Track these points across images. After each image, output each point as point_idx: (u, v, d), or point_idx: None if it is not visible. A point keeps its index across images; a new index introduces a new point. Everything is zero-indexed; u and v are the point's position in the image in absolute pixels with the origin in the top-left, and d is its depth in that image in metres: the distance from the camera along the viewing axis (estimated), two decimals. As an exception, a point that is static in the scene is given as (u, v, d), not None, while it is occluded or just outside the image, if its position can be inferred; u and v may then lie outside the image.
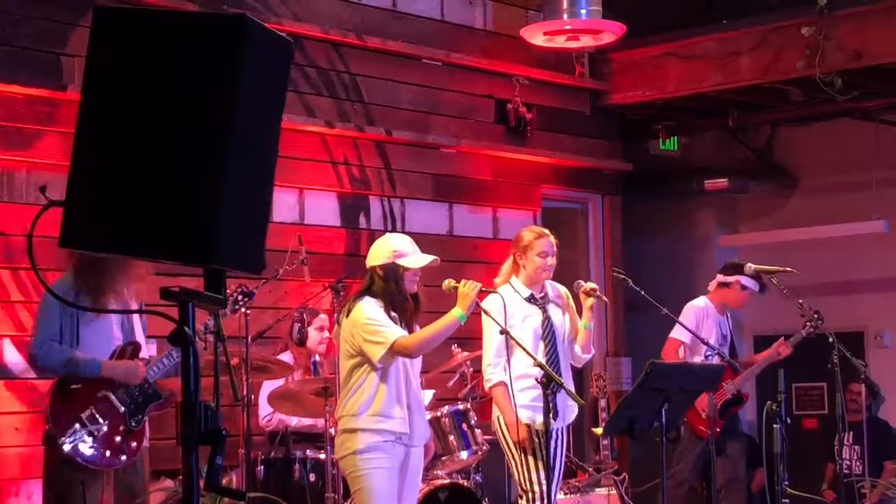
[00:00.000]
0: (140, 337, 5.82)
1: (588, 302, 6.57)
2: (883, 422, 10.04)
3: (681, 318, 8.26)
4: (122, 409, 5.61)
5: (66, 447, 5.44)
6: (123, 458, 5.58)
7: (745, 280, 8.45)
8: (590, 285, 6.58)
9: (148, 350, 5.99)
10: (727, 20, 9.96)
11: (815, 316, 8.17)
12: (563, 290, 6.74)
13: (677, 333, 8.40)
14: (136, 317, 5.82)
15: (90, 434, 5.48)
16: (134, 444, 5.63)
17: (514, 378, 6.29)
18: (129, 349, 5.75)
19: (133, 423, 5.62)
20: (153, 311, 3.09)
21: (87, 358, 5.54)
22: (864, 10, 9.09)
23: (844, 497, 8.22)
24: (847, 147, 10.83)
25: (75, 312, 5.56)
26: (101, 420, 5.53)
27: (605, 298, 6.77)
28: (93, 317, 5.59)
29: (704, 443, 8.17)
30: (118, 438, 5.57)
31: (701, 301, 8.57)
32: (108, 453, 5.52)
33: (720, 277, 8.56)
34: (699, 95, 10.10)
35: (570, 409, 6.58)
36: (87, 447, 5.47)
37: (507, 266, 6.72)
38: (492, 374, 6.43)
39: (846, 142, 10.81)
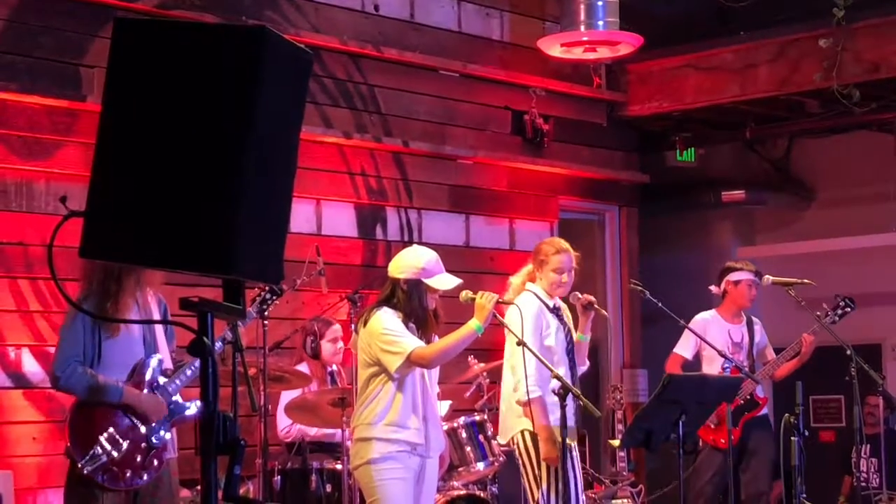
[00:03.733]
0: (163, 347, 5.77)
1: (587, 314, 6.53)
2: (900, 434, 10.01)
3: (684, 334, 8.27)
4: (144, 428, 5.58)
5: (86, 470, 5.41)
6: (145, 476, 5.53)
7: (733, 276, 8.39)
8: (588, 298, 6.54)
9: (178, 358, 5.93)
10: (744, 32, 9.95)
11: (843, 303, 8.04)
12: (560, 302, 6.69)
13: (679, 349, 8.41)
14: (158, 325, 5.76)
15: (109, 456, 5.44)
16: (156, 461, 5.58)
17: (548, 392, 6.26)
18: (142, 366, 5.67)
19: (155, 441, 5.58)
20: (173, 322, 3.10)
21: (109, 383, 5.47)
22: (882, 22, 9.08)
23: (862, 510, 8.19)
24: (864, 159, 10.81)
25: (98, 330, 5.53)
26: (120, 440, 5.47)
27: (604, 312, 6.67)
28: (115, 333, 5.55)
29: (723, 455, 8.06)
30: (139, 458, 5.52)
31: (707, 314, 8.48)
32: (128, 473, 5.48)
33: (714, 289, 8.45)
34: (716, 107, 10.09)
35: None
36: (106, 469, 5.43)
37: (525, 270, 6.67)
38: (532, 386, 6.25)
39: (864, 154, 10.79)
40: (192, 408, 5.74)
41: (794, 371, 8.18)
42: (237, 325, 3.74)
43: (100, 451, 5.42)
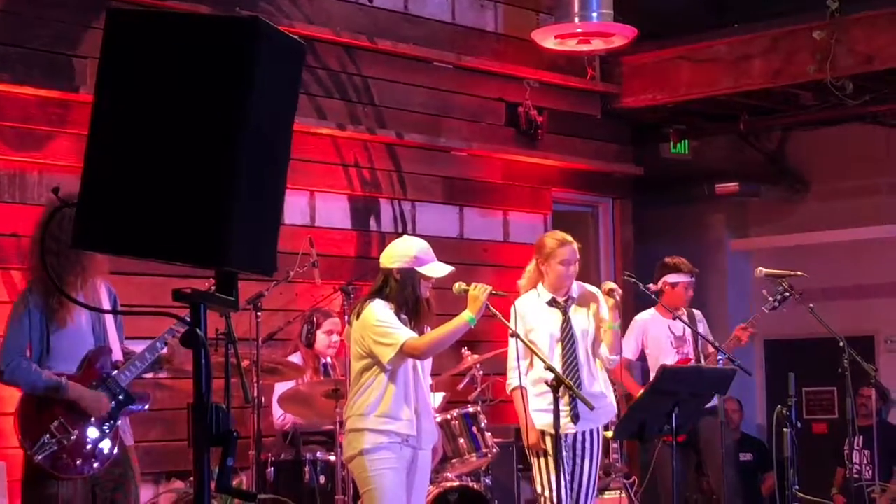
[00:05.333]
0: (113, 338, 5.77)
1: (609, 302, 6.58)
2: (893, 426, 10.04)
3: (625, 336, 8.28)
4: (93, 416, 5.61)
5: (37, 458, 5.43)
6: (96, 464, 5.54)
7: (668, 278, 8.38)
8: (609, 285, 6.61)
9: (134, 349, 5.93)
10: (738, 24, 9.95)
11: (782, 288, 8.01)
12: (593, 290, 6.73)
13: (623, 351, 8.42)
14: (108, 315, 5.76)
15: (59, 444, 5.45)
16: (106, 450, 5.59)
17: (533, 382, 6.37)
18: (95, 355, 5.66)
19: (106, 429, 5.59)
20: (162, 313, 3.09)
21: (53, 380, 5.48)
22: (876, 14, 9.09)
23: (854, 501, 8.21)
24: (858, 151, 10.82)
25: (45, 322, 5.52)
26: (70, 429, 5.49)
27: (614, 298, 6.73)
28: (63, 325, 5.55)
29: (672, 448, 8.02)
30: (90, 446, 5.53)
31: (645, 313, 8.48)
32: (79, 462, 5.49)
33: (651, 287, 8.38)
34: (710, 99, 10.10)
35: (602, 412, 6.58)
36: (56, 457, 5.44)
37: (531, 270, 6.74)
38: (511, 378, 6.50)
39: (857, 146, 10.80)
40: (141, 403, 5.76)
41: None
42: (230, 316, 3.73)
43: (49, 439, 5.43)
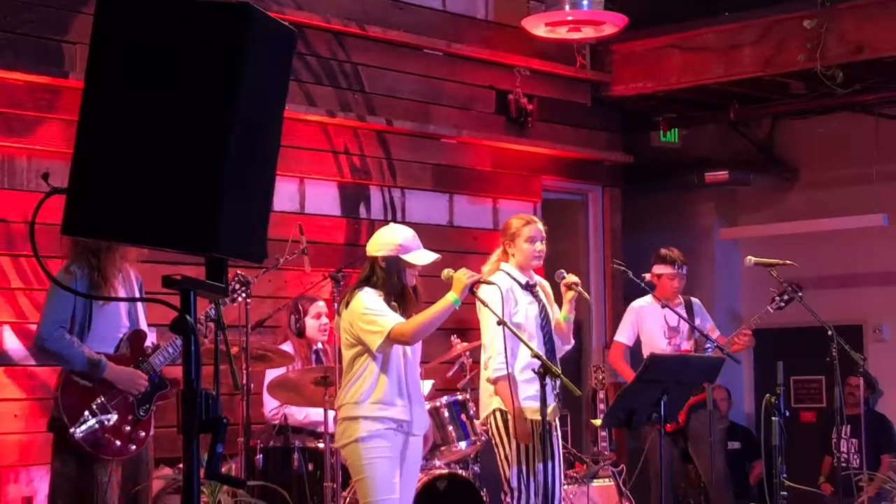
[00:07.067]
0: (143, 323, 5.84)
1: (569, 294, 6.55)
2: (881, 415, 10.06)
3: (622, 322, 8.33)
4: (132, 398, 5.63)
5: (77, 435, 5.45)
6: (133, 447, 5.59)
7: (655, 268, 8.42)
8: (572, 278, 6.55)
9: (150, 337, 5.99)
10: (729, 12, 9.95)
11: (791, 289, 8.06)
12: (542, 280, 6.72)
13: (619, 336, 8.48)
14: (138, 303, 5.83)
15: (100, 423, 5.49)
16: (143, 433, 5.65)
17: (519, 370, 6.32)
18: (135, 337, 5.73)
19: (142, 413, 5.65)
20: (155, 300, 3.09)
21: (94, 358, 5.53)
22: (866, 4, 9.09)
23: (842, 490, 8.24)
24: (847, 140, 10.83)
25: (88, 300, 5.57)
26: (110, 409, 5.55)
27: (586, 295, 6.69)
28: (105, 303, 5.60)
29: (668, 438, 8.10)
30: (128, 428, 5.59)
31: (642, 300, 8.53)
32: (118, 442, 5.54)
33: (647, 276, 8.41)
34: (700, 87, 10.10)
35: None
36: (97, 436, 5.48)
37: (495, 255, 6.70)
38: (499, 364, 6.28)
39: (846, 135, 10.81)
40: (172, 388, 5.82)
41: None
42: (220, 303, 3.75)
43: (90, 416, 5.46)
